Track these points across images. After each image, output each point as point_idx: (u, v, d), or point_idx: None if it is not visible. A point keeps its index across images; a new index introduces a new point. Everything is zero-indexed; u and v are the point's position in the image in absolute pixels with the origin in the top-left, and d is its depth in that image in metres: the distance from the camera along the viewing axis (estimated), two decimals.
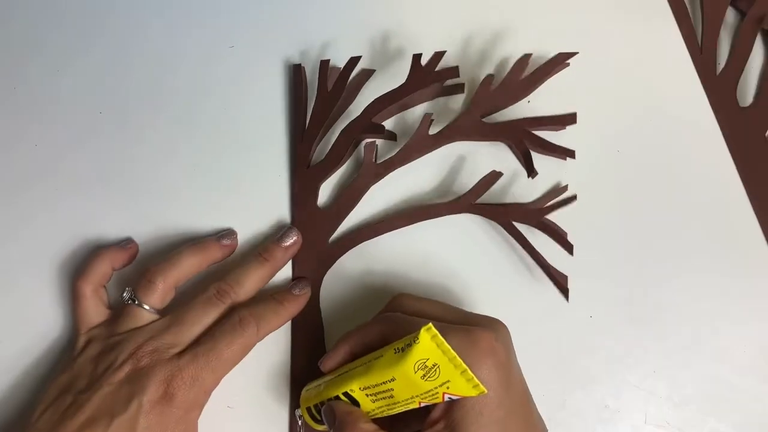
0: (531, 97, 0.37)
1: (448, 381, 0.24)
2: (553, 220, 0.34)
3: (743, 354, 0.33)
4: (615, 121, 0.37)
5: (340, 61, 0.37)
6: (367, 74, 0.37)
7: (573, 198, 0.35)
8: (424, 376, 0.25)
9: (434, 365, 0.24)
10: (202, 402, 0.31)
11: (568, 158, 0.35)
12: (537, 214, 0.34)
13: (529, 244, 0.34)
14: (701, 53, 0.37)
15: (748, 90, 0.37)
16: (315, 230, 0.35)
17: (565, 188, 0.35)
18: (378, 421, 0.27)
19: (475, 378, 0.24)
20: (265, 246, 0.34)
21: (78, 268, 0.34)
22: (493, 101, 0.36)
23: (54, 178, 0.37)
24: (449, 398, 0.25)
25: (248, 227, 0.36)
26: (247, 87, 0.38)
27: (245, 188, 0.37)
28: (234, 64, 0.39)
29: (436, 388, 0.25)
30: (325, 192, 0.36)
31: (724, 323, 0.34)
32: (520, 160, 0.36)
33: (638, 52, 0.38)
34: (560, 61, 0.36)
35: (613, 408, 0.33)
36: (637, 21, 0.38)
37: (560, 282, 0.33)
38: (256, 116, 0.38)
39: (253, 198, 0.37)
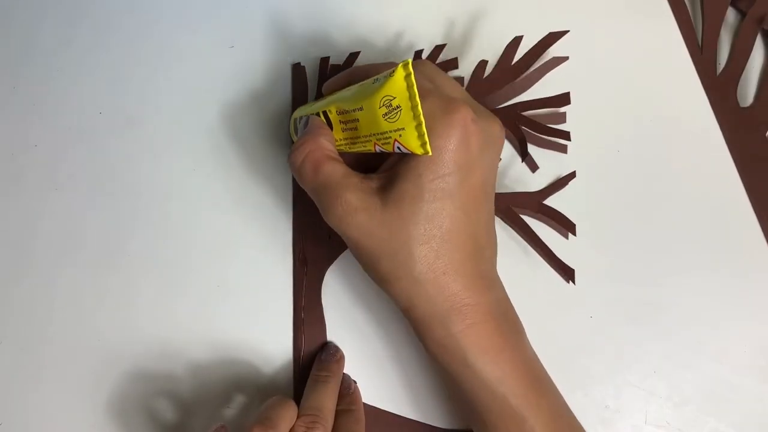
0: (530, 98, 0.37)
1: (403, 129, 0.24)
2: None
3: (743, 354, 0.33)
4: (615, 121, 0.37)
5: (342, 59, 0.37)
6: None
7: (572, 176, 0.35)
8: (386, 115, 0.24)
9: (397, 107, 0.23)
10: None
11: (567, 160, 0.35)
12: (537, 197, 0.34)
13: (530, 229, 0.34)
14: (701, 53, 0.37)
15: (748, 90, 0.37)
16: (317, 227, 0.35)
17: (573, 174, 0.35)
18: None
19: (426, 135, 0.23)
20: (318, 366, 0.33)
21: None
22: (486, 86, 0.35)
23: (54, 178, 0.37)
24: (398, 148, 0.24)
25: (250, 225, 0.36)
26: (248, 86, 0.38)
27: (247, 186, 0.37)
28: (234, 64, 0.39)
29: (390, 132, 0.24)
30: None
31: (724, 323, 0.34)
32: (514, 146, 0.36)
33: (638, 52, 0.38)
34: (550, 41, 0.35)
35: (613, 408, 0.33)
36: (637, 21, 0.38)
37: (563, 268, 0.33)
38: (257, 115, 0.38)
39: (254, 196, 0.36)
